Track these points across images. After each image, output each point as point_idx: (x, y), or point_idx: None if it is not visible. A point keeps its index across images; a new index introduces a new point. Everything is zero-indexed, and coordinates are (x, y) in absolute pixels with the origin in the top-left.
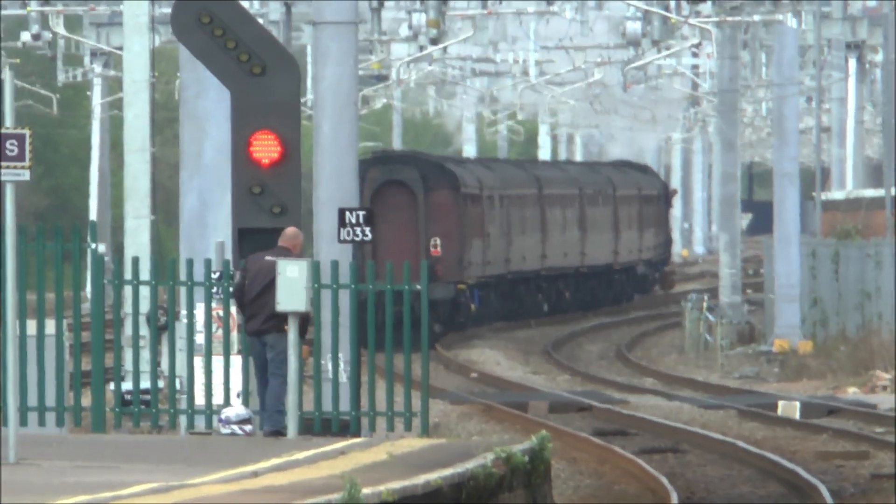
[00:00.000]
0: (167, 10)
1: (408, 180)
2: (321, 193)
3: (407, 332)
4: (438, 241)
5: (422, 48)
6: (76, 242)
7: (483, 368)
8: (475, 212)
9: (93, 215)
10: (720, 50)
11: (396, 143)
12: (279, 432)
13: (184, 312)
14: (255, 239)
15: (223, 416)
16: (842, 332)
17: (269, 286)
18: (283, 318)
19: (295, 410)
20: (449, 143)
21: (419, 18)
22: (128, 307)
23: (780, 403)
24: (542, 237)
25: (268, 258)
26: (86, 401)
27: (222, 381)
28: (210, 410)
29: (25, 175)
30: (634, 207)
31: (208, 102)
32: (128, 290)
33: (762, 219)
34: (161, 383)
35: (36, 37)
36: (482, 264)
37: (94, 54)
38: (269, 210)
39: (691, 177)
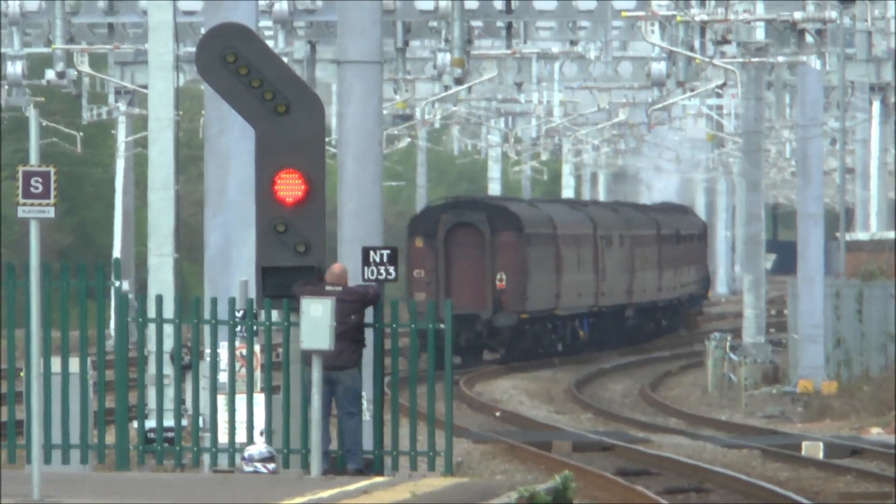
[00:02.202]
0: (192, 48)
1: (476, 222)
2: (345, 231)
3: (430, 370)
4: (504, 276)
5: (446, 88)
6: (100, 280)
7: (506, 407)
8: (538, 250)
9: (116, 253)
10: (745, 91)
11: (420, 182)
12: (360, 470)
13: (208, 351)
14: (279, 277)
15: (246, 455)
16: (865, 372)
17: (345, 319)
18: (358, 353)
19: (318, 448)
20: (474, 182)
21: (444, 58)
22: (151, 345)
23: (804, 444)
24: (596, 275)
25: (329, 288)
26: (109, 438)
27: (245, 420)
28: (233, 448)
29: (50, 212)
30: (677, 245)
31: (232, 140)
32: (151, 328)
33: (786, 259)
34: (185, 421)
35: (61, 75)
36: (545, 297)
37: (119, 92)
38: (293, 248)
39: (715, 217)
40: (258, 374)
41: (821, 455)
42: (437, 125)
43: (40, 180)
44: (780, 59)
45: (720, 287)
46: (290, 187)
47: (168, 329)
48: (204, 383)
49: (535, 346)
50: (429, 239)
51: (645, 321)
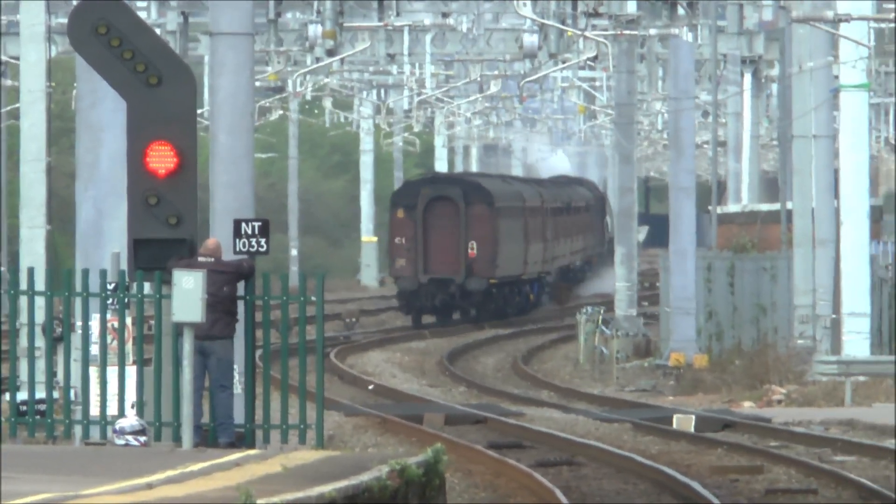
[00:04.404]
0: (64, 20)
1: (452, 196)
2: (217, 204)
3: (302, 343)
4: (475, 245)
5: (318, 59)
6: None
7: (379, 380)
8: (506, 222)
9: None
10: (616, 63)
11: (293, 154)
12: (232, 444)
13: (79, 323)
14: (151, 249)
15: (117, 427)
16: (737, 345)
17: (217, 291)
18: (232, 325)
19: (190, 421)
20: (347, 155)
21: (315, 30)
22: (23, 317)
23: (676, 417)
24: (545, 243)
25: (201, 259)
26: None
27: (117, 392)
28: (105, 421)
29: None
30: (588, 214)
31: (105, 112)
32: (23, 301)
33: (658, 232)
34: (56, 394)
35: None
36: (512, 264)
37: None
38: (165, 220)
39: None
40: (130, 346)
41: (692, 428)
42: (308, 97)
43: None
44: (652, 31)
45: None
46: (161, 159)
47: (40, 301)
48: (75, 356)
49: (505, 307)
50: (409, 210)
51: (567, 279)
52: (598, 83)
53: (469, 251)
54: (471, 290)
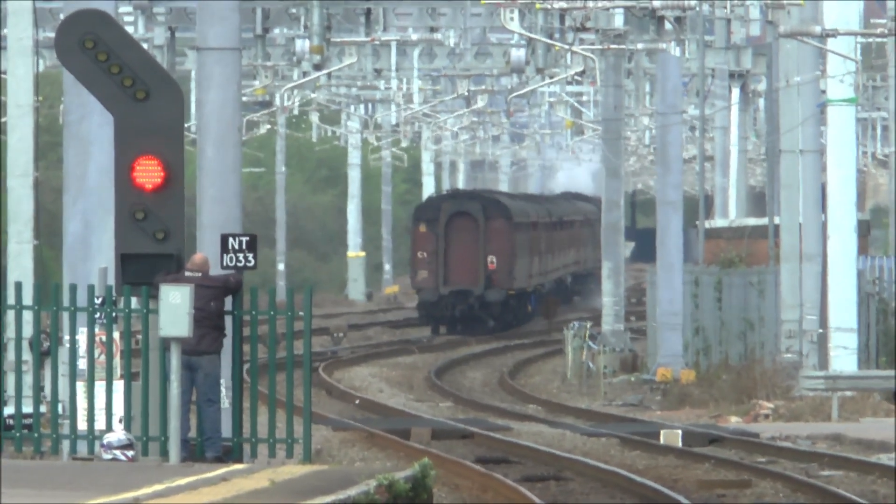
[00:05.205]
0: (52, 34)
1: (472, 211)
2: (204, 218)
3: (289, 357)
4: (494, 258)
5: (305, 74)
6: None
7: (366, 394)
8: (521, 236)
9: None
10: (604, 78)
11: (280, 169)
12: (220, 458)
13: (67, 337)
14: (138, 264)
15: (105, 442)
16: (724, 360)
17: (205, 306)
18: (219, 340)
19: (177, 435)
20: (334, 169)
21: (303, 45)
22: (11, 332)
23: (663, 432)
24: (553, 256)
25: (188, 274)
26: None
27: (105, 407)
28: (92, 436)
29: None
30: (591, 228)
31: (92, 126)
32: (10, 315)
33: (645, 246)
34: (44, 408)
35: None
36: (528, 276)
37: None
38: (152, 235)
39: None
40: (117, 360)
41: (679, 443)
42: (296, 112)
43: None
44: (640, 46)
45: None
46: (149, 174)
47: (27, 316)
48: (63, 370)
49: (520, 317)
50: (431, 225)
51: (575, 288)
52: (585, 98)
53: (489, 264)
54: (490, 301)
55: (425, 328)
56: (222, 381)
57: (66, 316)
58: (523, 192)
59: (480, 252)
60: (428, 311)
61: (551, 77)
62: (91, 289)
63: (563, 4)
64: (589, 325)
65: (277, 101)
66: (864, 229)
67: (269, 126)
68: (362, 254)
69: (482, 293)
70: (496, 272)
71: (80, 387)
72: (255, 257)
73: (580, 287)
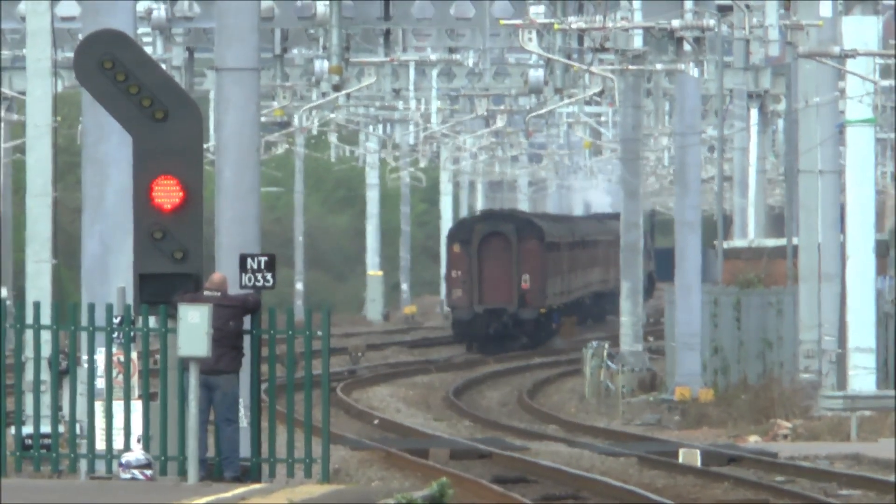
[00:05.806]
0: (70, 54)
1: (506, 231)
2: (223, 238)
3: (308, 376)
4: (528, 277)
5: (324, 94)
6: None
7: (384, 414)
8: (552, 256)
9: None
10: (622, 98)
11: (298, 189)
12: (238, 478)
13: (85, 357)
14: (157, 284)
15: (123, 461)
16: (743, 380)
17: (223, 326)
18: (238, 360)
19: (195, 455)
20: (352, 189)
21: (322, 65)
22: (29, 351)
23: (681, 451)
24: (581, 274)
25: (207, 293)
26: None
27: (123, 426)
28: (110, 455)
29: None
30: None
31: (111, 147)
32: (29, 335)
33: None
34: (62, 428)
35: None
36: (558, 294)
37: None
38: (170, 255)
39: None
40: (135, 380)
41: (698, 462)
42: (314, 132)
43: None
44: (658, 66)
45: None
46: (167, 194)
47: (45, 335)
48: (81, 389)
49: (550, 334)
50: (465, 245)
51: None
52: (603, 118)
53: (522, 283)
54: (523, 319)
55: (447, 347)
56: (241, 400)
57: (84, 335)
58: (553, 213)
59: (514, 271)
60: (462, 329)
61: (570, 97)
62: (109, 308)
63: (582, 25)
64: (607, 344)
65: (296, 122)
66: (882, 249)
67: (287, 146)
68: (380, 273)
69: (515, 311)
70: (529, 291)
71: (98, 406)
72: (273, 277)
73: (608, 305)
